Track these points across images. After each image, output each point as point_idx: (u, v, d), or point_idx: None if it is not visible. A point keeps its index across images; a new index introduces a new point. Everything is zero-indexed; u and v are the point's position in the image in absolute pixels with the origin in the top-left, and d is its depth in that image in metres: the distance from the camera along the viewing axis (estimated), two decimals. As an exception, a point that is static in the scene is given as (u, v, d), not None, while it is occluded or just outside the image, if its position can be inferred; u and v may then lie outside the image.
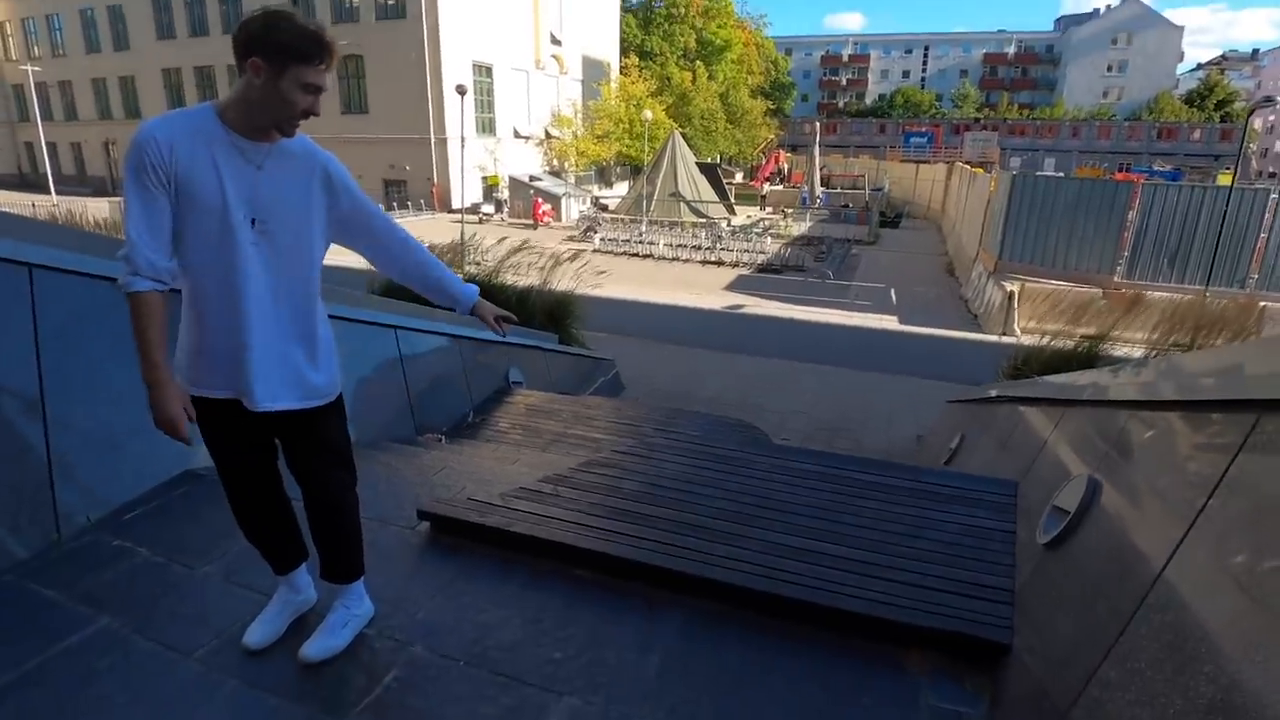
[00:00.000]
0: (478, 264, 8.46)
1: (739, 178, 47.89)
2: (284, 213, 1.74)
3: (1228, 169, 33.67)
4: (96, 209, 14.42)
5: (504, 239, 8.58)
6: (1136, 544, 1.70)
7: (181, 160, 1.61)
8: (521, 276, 8.17)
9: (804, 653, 2.09)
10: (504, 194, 31.98)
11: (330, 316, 1.99)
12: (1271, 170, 60.64)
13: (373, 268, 2.11)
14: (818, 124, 43.26)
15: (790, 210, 32.30)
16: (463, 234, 12.36)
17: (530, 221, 28.18)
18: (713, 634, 2.16)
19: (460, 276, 2.11)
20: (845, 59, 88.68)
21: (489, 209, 31.39)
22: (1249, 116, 18.72)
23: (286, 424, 1.87)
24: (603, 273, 8.84)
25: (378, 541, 2.61)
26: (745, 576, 2.29)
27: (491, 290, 7.45)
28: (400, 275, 2.03)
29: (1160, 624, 1.37)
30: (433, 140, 32.22)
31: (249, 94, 1.63)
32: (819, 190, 36.67)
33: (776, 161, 47.15)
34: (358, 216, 1.89)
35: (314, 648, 1.98)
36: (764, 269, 20.55)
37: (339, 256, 2.02)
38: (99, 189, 39.19)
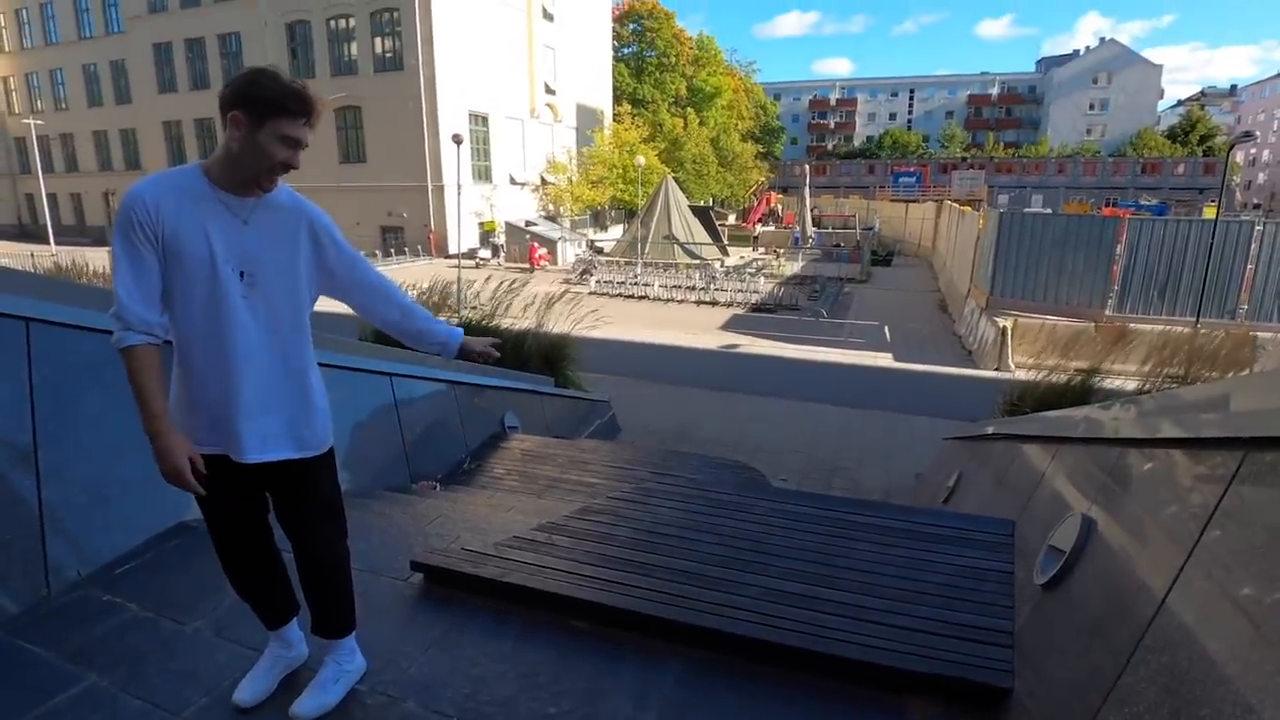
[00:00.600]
0: (474, 308, 8.50)
1: (731, 219, 48.55)
2: (272, 265, 1.76)
3: (1213, 202, 34.24)
4: (96, 258, 14.54)
5: (501, 283, 8.62)
6: (1132, 583, 1.70)
7: (168, 219, 1.65)
8: (517, 319, 8.19)
9: (800, 701, 2.05)
10: (500, 239, 32.34)
11: (322, 364, 2.00)
12: (1255, 202, 61.71)
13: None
14: (807, 166, 44.07)
15: (783, 250, 32.67)
16: (459, 279, 12.46)
17: (527, 265, 28.43)
18: (709, 684, 2.13)
19: (449, 321, 2.17)
20: (833, 103, 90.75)
21: (485, 254, 31.69)
22: (1230, 150, 19.05)
23: (276, 476, 1.86)
24: (594, 311, 8.87)
25: (370, 594, 2.59)
26: (741, 624, 2.27)
27: (486, 333, 7.49)
28: (384, 324, 2.05)
29: (1157, 665, 1.36)
30: (429, 187, 32.68)
31: (230, 147, 1.68)
32: (811, 230, 37.15)
33: (768, 203, 47.90)
34: (343, 268, 1.91)
35: (305, 705, 1.95)
36: (758, 308, 20.69)
37: (331, 304, 2.05)
38: (98, 239, 39.49)
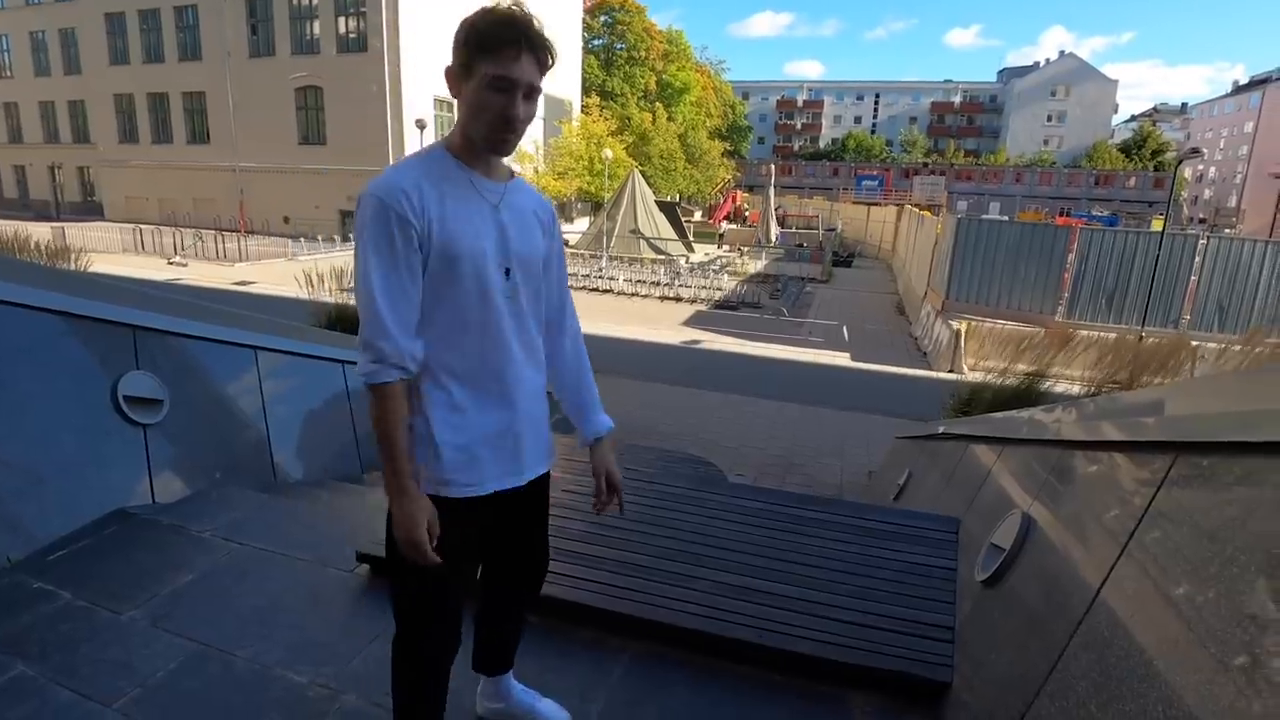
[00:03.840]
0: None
1: (697, 216, 48.66)
2: (529, 260, 1.50)
3: (1161, 215, 35.52)
4: (39, 232, 13.97)
5: None
6: (1067, 580, 1.75)
7: (433, 212, 1.35)
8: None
9: (749, 695, 2.08)
10: (463, 227, 31.90)
11: (271, 350, 1.95)
12: (1201, 216, 64.19)
13: (316, 297, 1.99)
14: (773, 165, 44.35)
15: (747, 248, 32.89)
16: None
17: (489, 255, 28.12)
18: (658, 678, 2.14)
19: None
20: (800, 104, 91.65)
21: (448, 242, 31.26)
22: (1178, 166, 19.76)
23: (527, 495, 1.61)
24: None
25: (316, 585, 2.54)
26: (692, 618, 2.28)
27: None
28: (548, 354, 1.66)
29: (1088, 660, 1.41)
30: (392, 172, 32.08)
31: (459, 116, 1.43)
32: (775, 229, 37.46)
33: (734, 201, 48.11)
34: (555, 270, 1.64)
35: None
36: (721, 305, 20.81)
37: (280, 287, 1.98)
38: (41, 213, 37.93)
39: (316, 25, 32.38)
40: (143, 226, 27.99)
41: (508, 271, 1.44)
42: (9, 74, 42.40)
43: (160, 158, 36.76)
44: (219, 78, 33.85)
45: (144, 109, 37.05)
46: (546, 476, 1.67)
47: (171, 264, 22.65)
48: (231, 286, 18.52)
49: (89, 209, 39.56)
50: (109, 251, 22.71)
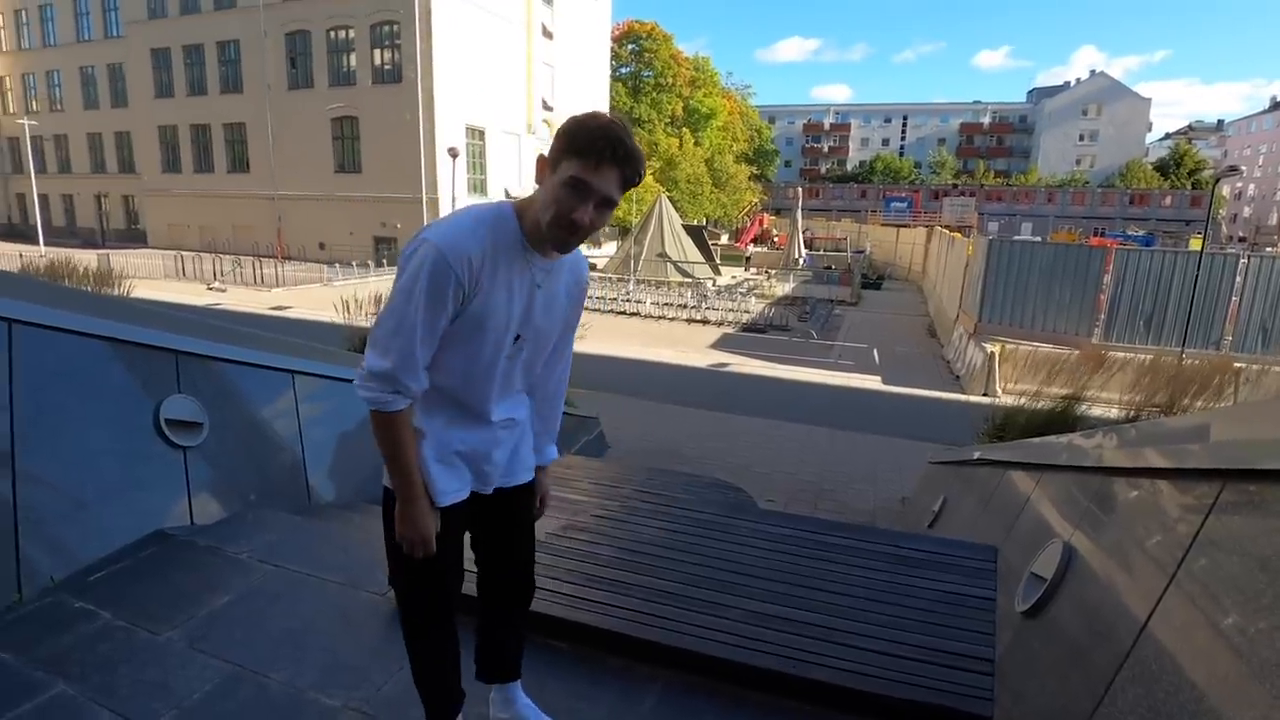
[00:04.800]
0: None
1: (724, 239, 48.78)
2: (545, 333, 1.63)
3: (1199, 234, 34.83)
4: (85, 258, 14.46)
5: None
6: (1112, 611, 1.70)
7: (485, 281, 1.44)
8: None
9: (781, 726, 2.04)
10: (494, 252, 32.29)
11: (306, 374, 1.99)
12: (1241, 235, 62.68)
13: (352, 322, 2.05)
14: (800, 188, 44.39)
15: (774, 271, 32.84)
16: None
17: (519, 279, 28.39)
18: (688, 706, 2.11)
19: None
20: (827, 127, 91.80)
21: (478, 267, 31.63)
22: (1215, 184, 19.36)
23: (501, 505, 1.75)
24: (585, 325, 8.83)
25: (347, 608, 2.56)
26: (722, 647, 2.25)
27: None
28: (531, 386, 1.79)
29: (1134, 695, 1.36)
30: (425, 200, 32.72)
31: (537, 194, 1.49)
32: (803, 252, 37.38)
33: (760, 224, 48.18)
34: (570, 329, 1.76)
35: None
36: (749, 328, 20.75)
37: (316, 312, 2.03)
38: (88, 240, 39.37)
39: (353, 58, 33.35)
40: (184, 253, 28.89)
41: (518, 337, 1.55)
42: (59, 107, 44.27)
43: (201, 186, 37.99)
44: (259, 109, 34.99)
45: (187, 140, 38.38)
46: (526, 493, 1.79)
47: (211, 289, 23.28)
48: (269, 311, 18.96)
49: (133, 236, 40.93)
50: (151, 277, 23.41)
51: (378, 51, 32.68)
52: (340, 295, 6.81)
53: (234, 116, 36.30)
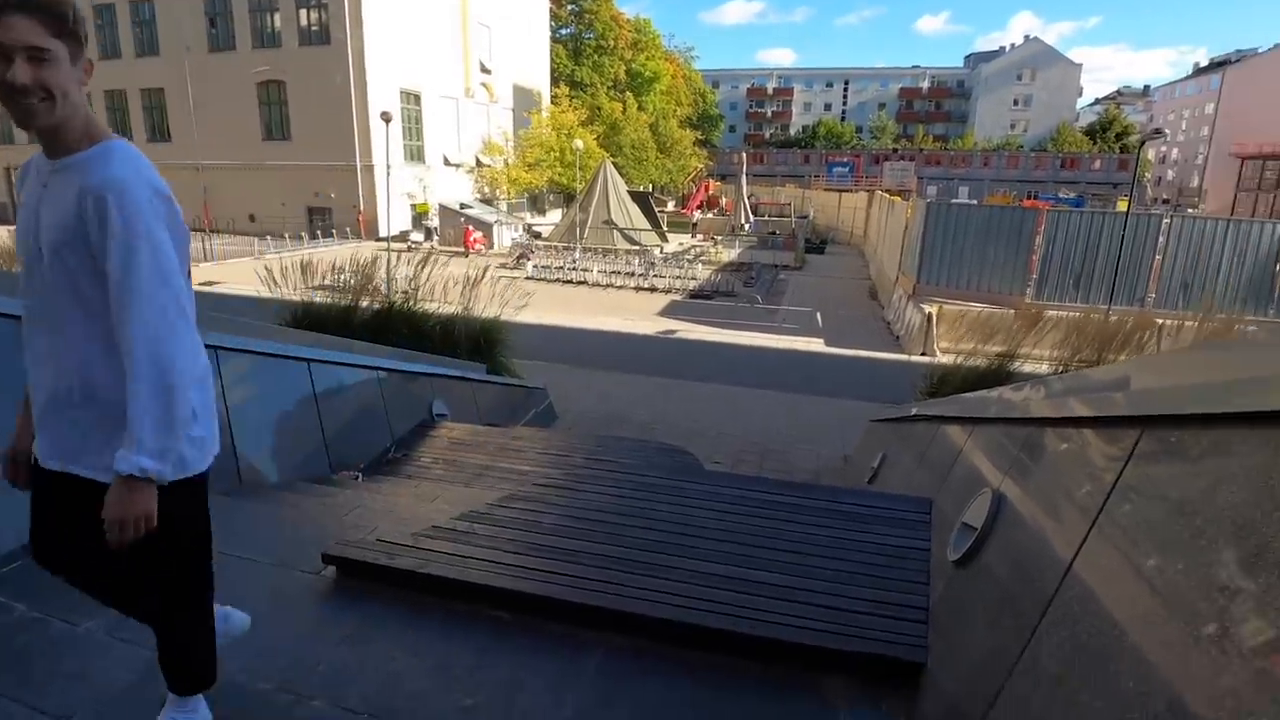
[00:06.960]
0: (402, 292, 8.18)
1: (671, 206, 48.62)
2: (48, 238, 1.35)
3: (1126, 196, 36.21)
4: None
5: (423, 264, 8.17)
6: (1038, 557, 1.75)
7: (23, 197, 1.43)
8: (443, 303, 7.88)
9: (726, 685, 2.05)
10: (434, 221, 31.53)
11: (235, 350, 1.87)
12: (1165, 197, 65.36)
13: (280, 296, 1.92)
14: (745, 154, 44.38)
15: (721, 237, 32.93)
16: (389, 261, 12.09)
17: (461, 249, 27.85)
18: (632, 671, 2.11)
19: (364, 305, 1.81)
20: (770, 92, 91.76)
21: (418, 237, 30.87)
22: (1142, 146, 20.10)
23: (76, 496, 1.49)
24: (526, 294, 8.68)
25: (281, 588, 2.48)
26: (667, 609, 2.25)
27: (412, 318, 7.22)
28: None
29: (1060, 637, 1.40)
30: (359, 167, 31.60)
31: None
32: (749, 217, 37.55)
33: (706, 190, 48.13)
34: (110, 270, 1.34)
35: None
36: (696, 294, 20.82)
37: (246, 287, 1.91)
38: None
39: (277, 18, 31.73)
40: (102, 228, 27.25)
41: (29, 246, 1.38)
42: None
43: (119, 157, 35.85)
44: (179, 73, 32.97)
45: (100, 106, 36.01)
46: (84, 487, 1.46)
47: (133, 265, 22.09)
48: (197, 287, 18.09)
49: (46, 211, 38.45)
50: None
51: (304, 11, 31.17)
52: (264, 265, 6.49)
53: (151, 81, 34.25)
